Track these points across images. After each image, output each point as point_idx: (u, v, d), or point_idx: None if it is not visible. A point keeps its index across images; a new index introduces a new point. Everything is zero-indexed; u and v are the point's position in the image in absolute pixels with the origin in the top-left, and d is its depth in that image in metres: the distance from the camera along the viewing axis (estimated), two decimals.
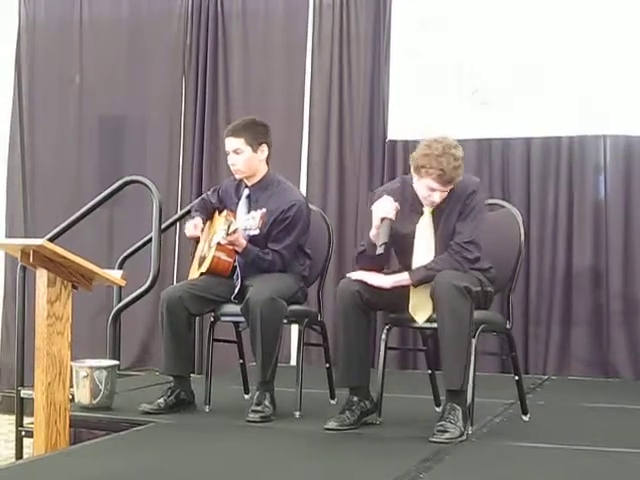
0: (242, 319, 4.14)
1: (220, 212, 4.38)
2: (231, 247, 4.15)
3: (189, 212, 4.93)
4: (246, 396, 4.60)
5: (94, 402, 4.20)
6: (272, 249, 4.22)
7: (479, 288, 3.71)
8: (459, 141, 3.82)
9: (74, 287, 3.64)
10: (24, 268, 4.65)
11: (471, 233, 3.74)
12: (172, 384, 4.23)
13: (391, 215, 3.71)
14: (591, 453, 3.47)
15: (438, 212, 3.79)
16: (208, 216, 4.45)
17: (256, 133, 4.28)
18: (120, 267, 5.52)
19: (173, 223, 5.87)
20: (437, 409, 4.13)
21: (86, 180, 6.91)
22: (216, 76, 6.69)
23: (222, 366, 5.02)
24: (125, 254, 5.66)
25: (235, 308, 4.15)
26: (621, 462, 3.36)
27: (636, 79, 5.78)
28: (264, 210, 4.05)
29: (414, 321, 3.77)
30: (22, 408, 4.50)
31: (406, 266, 3.79)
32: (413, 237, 3.78)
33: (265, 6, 6.65)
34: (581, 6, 5.91)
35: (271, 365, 4.03)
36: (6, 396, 6.29)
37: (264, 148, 4.29)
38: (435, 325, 3.68)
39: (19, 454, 4.41)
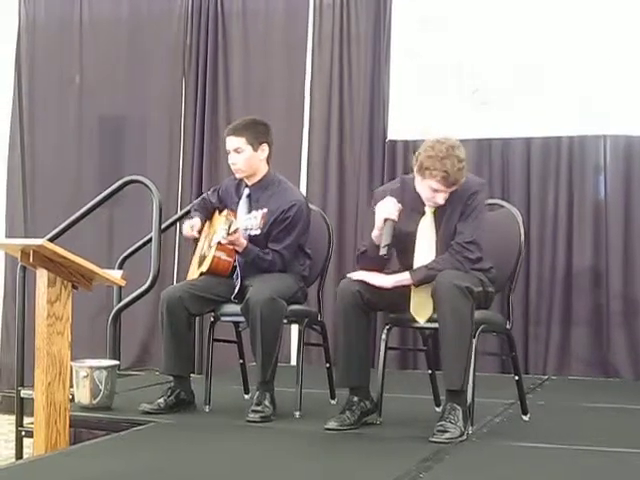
0: (242, 319, 4.14)
1: (220, 212, 4.38)
2: (231, 247, 4.15)
3: (189, 212, 4.92)
4: (246, 396, 4.60)
5: (94, 402, 4.20)
6: (272, 249, 4.22)
7: (480, 288, 3.71)
8: (459, 141, 3.82)
9: (74, 287, 3.64)
10: (24, 268, 4.65)
11: (472, 233, 3.74)
12: (172, 384, 4.23)
13: (394, 216, 3.71)
14: (591, 453, 3.47)
15: (440, 212, 3.79)
16: (208, 216, 4.45)
17: (257, 132, 4.28)
18: (120, 267, 5.52)
19: (173, 223, 5.86)
20: (437, 409, 4.13)
21: (86, 180, 6.91)
22: (216, 76, 6.70)
23: (222, 366, 5.02)
24: (125, 254, 5.66)
25: (235, 308, 4.15)
26: (621, 462, 3.36)
27: (636, 79, 5.78)
28: (265, 210, 4.05)
29: (415, 321, 3.77)
30: (22, 408, 4.50)
31: (407, 266, 3.79)
32: (414, 237, 3.78)
33: (265, 6, 6.65)
34: (581, 6, 5.91)
35: (271, 365, 4.03)
36: (6, 396, 6.29)
37: (265, 147, 4.29)
38: (436, 325, 3.67)
39: (19, 454, 4.41)
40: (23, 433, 4.38)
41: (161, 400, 4.16)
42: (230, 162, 4.30)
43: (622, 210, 5.85)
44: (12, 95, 7.08)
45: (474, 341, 3.63)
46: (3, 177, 7.12)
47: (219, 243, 4.10)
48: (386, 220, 3.71)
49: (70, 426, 3.67)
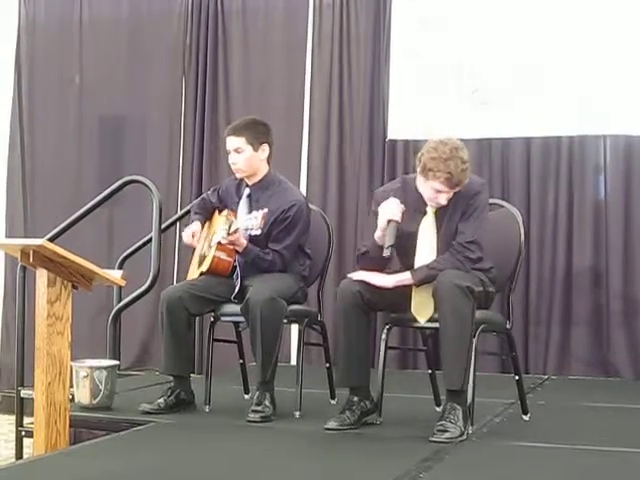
0: (242, 319, 4.14)
1: (220, 211, 4.38)
2: (231, 247, 4.15)
3: (189, 212, 4.93)
4: (246, 396, 4.60)
5: (94, 402, 4.20)
6: (272, 249, 4.21)
7: (481, 288, 3.72)
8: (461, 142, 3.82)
9: (74, 287, 3.64)
10: (24, 268, 4.65)
11: (474, 233, 3.74)
12: (172, 384, 4.23)
13: (397, 217, 3.71)
14: (591, 453, 3.47)
15: (441, 212, 3.79)
16: (208, 217, 4.45)
17: (257, 132, 4.28)
18: (120, 267, 5.52)
19: (173, 223, 5.87)
20: (437, 409, 4.13)
21: (86, 180, 6.91)
22: (216, 75, 6.70)
23: (222, 366, 5.02)
24: (125, 254, 5.66)
25: (235, 308, 4.14)
26: (621, 462, 3.36)
27: (636, 79, 5.78)
28: (266, 210, 4.04)
29: (416, 321, 3.77)
30: (22, 408, 4.49)
31: (408, 266, 3.79)
32: (415, 237, 3.78)
33: (265, 5, 6.65)
34: (581, 6, 5.91)
35: (271, 365, 4.03)
36: (6, 396, 6.29)
37: (265, 147, 4.29)
38: (436, 325, 3.67)
39: (19, 454, 4.40)
40: (23, 433, 4.38)
41: (161, 400, 4.16)
42: (230, 162, 4.30)
43: (622, 210, 5.85)
44: (12, 95, 7.08)
45: (474, 341, 3.63)
46: (3, 177, 7.12)
47: (219, 243, 4.10)
48: (389, 221, 3.71)
49: (70, 426, 3.67)
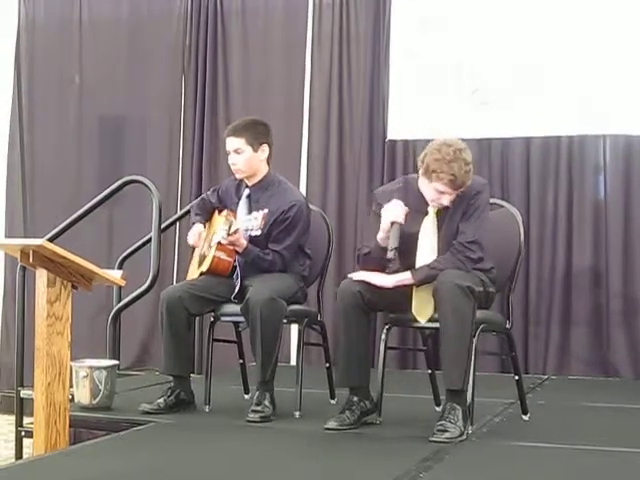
0: (242, 319, 4.14)
1: (220, 212, 4.37)
2: (231, 247, 4.15)
3: (189, 212, 4.92)
4: (246, 396, 4.60)
5: (94, 402, 4.20)
6: (272, 249, 4.21)
7: (481, 288, 3.72)
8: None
9: (74, 287, 3.64)
10: (24, 268, 4.64)
11: (474, 233, 3.74)
12: (172, 384, 4.23)
13: (401, 219, 3.71)
14: (591, 452, 3.47)
15: (442, 212, 3.78)
16: (208, 217, 4.45)
17: (257, 133, 4.27)
18: (120, 267, 5.52)
19: (173, 223, 5.87)
20: (437, 409, 4.13)
21: (86, 180, 6.91)
22: (216, 75, 6.70)
23: (222, 366, 5.02)
24: (125, 254, 5.66)
25: (235, 308, 4.14)
26: (621, 461, 3.36)
27: (636, 79, 5.78)
28: (266, 211, 4.04)
29: (416, 321, 3.77)
30: (22, 408, 4.49)
31: (408, 266, 3.78)
32: (416, 237, 3.78)
33: (265, 4, 6.66)
34: (581, 6, 5.91)
35: (271, 365, 4.03)
36: (6, 396, 6.29)
37: (265, 148, 4.28)
38: (436, 325, 3.67)
39: (19, 454, 4.41)
40: (23, 433, 4.38)
41: (161, 400, 4.16)
42: (230, 163, 4.30)
43: (622, 210, 5.85)
44: (12, 94, 7.08)
45: (474, 341, 3.63)
46: (3, 176, 7.12)
47: (219, 243, 4.10)
48: (393, 223, 3.70)
49: (70, 426, 3.67)
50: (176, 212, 6.21)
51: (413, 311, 3.75)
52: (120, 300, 5.25)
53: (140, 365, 6.53)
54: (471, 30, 6.09)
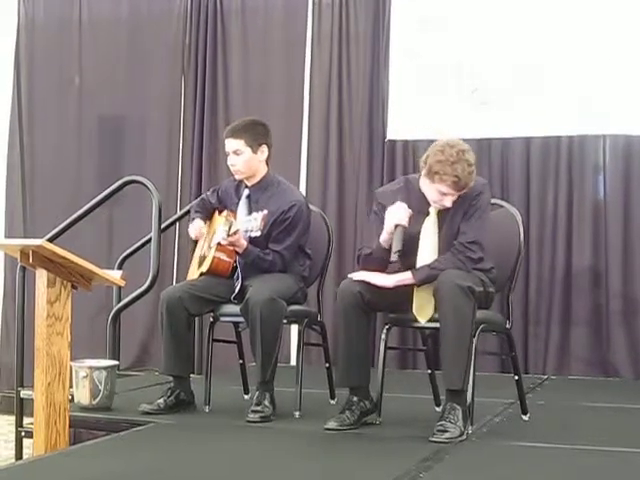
0: (242, 319, 4.13)
1: (220, 212, 4.37)
2: (231, 248, 4.15)
3: (188, 212, 4.92)
4: (246, 396, 4.60)
5: (94, 402, 4.20)
6: (272, 250, 4.21)
7: (482, 288, 3.71)
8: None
9: (74, 287, 3.64)
10: (24, 268, 4.64)
11: (475, 233, 3.74)
12: (172, 384, 4.23)
13: (405, 222, 3.70)
14: (591, 453, 3.47)
15: (443, 212, 3.77)
16: (207, 217, 4.44)
17: (256, 134, 4.27)
18: (120, 267, 5.52)
19: (173, 223, 5.87)
20: (437, 409, 4.13)
21: (86, 180, 6.91)
22: (215, 75, 6.70)
23: (222, 366, 5.02)
24: (125, 254, 5.66)
25: (235, 308, 4.14)
26: (621, 461, 3.36)
27: (636, 79, 5.78)
28: (266, 211, 4.03)
29: (416, 321, 3.77)
30: (22, 408, 4.49)
31: (409, 266, 3.77)
32: (417, 237, 3.77)
33: (264, 4, 6.66)
34: (581, 6, 5.91)
35: (271, 365, 4.03)
36: (6, 396, 6.29)
37: (264, 149, 4.28)
38: (436, 325, 3.67)
39: (19, 454, 4.40)
40: (23, 433, 4.38)
41: (161, 400, 4.16)
42: (229, 164, 4.30)
43: (621, 210, 5.85)
44: (11, 94, 7.09)
45: (474, 341, 3.63)
46: (3, 176, 7.12)
47: (219, 244, 4.10)
48: (397, 226, 3.70)
49: (70, 426, 3.67)
50: (176, 212, 6.21)
51: (414, 311, 3.75)
52: (120, 300, 5.25)
53: (140, 365, 6.53)
54: (471, 30, 6.09)
